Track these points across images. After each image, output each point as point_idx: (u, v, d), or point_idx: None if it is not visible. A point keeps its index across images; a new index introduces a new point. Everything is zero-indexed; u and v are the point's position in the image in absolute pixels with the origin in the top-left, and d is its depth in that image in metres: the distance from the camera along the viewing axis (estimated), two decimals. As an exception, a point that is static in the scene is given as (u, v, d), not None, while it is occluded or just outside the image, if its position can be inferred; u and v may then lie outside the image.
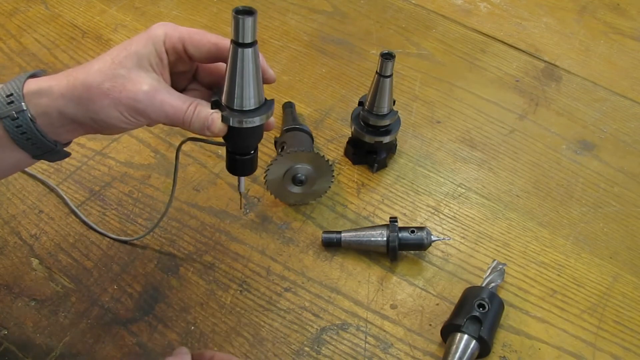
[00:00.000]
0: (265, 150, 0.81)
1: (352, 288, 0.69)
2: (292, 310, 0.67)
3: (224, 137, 0.52)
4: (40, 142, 0.49)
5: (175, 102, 0.49)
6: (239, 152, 0.54)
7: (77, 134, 0.52)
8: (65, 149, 0.52)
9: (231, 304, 0.67)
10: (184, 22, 0.91)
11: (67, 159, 0.78)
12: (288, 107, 0.84)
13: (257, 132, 0.52)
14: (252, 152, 0.55)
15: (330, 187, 0.75)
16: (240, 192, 0.61)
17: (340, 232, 0.71)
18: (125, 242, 0.70)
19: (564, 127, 0.88)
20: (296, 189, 0.73)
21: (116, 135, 0.81)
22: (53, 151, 0.50)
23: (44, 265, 0.68)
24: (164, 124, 0.51)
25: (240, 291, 0.68)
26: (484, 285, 0.67)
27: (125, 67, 0.48)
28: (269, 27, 0.99)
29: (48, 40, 0.93)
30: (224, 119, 0.50)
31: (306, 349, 0.64)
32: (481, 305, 0.62)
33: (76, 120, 0.49)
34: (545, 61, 0.98)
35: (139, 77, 0.48)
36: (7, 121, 0.47)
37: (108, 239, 0.71)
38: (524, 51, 0.99)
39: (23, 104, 0.47)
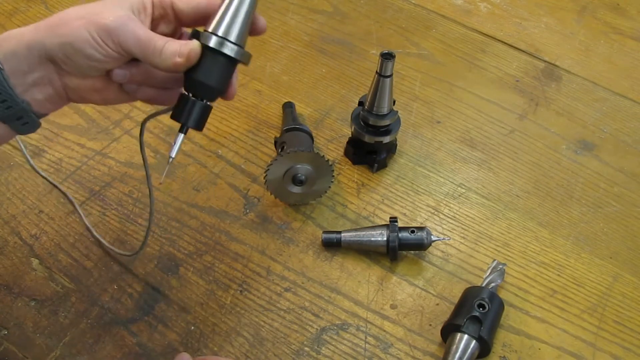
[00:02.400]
0: (265, 150, 0.81)
1: (352, 288, 0.69)
2: (292, 310, 0.67)
3: (188, 72, 0.49)
4: (8, 97, 0.45)
5: (148, 31, 0.48)
6: (198, 91, 0.50)
7: (45, 90, 0.49)
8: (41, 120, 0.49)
9: (231, 304, 0.67)
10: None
11: (67, 159, 0.78)
12: (288, 107, 0.84)
13: (228, 70, 0.50)
14: (209, 100, 0.51)
15: (330, 187, 0.75)
16: (170, 157, 0.52)
17: (340, 232, 0.71)
18: (124, 255, 0.69)
19: (564, 127, 0.88)
20: (296, 189, 0.73)
21: (116, 135, 0.81)
22: (24, 112, 0.47)
23: (44, 265, 0.68)
24: (133, 55, 0.48)
25: (240, 291, 0.68)
26: (484, 285, 0.67)
27: (106, 5, 0.48)
28: (269, 27, 0.98)
29: (48, 40, 0.93)
30: (203, 38, 0.48)
31: (306, 349, 0.64)
32: (481, 305, 0.62)
33: (45, 55, 0.47)
34: (545, 61, 0.98)
35: (116, 8, 0.48)
36: None
37: (107, 240, 0.71)
38: (524, 51, 0.99)
39: None
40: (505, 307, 0.66)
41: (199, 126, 0.51)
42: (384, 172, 0.80)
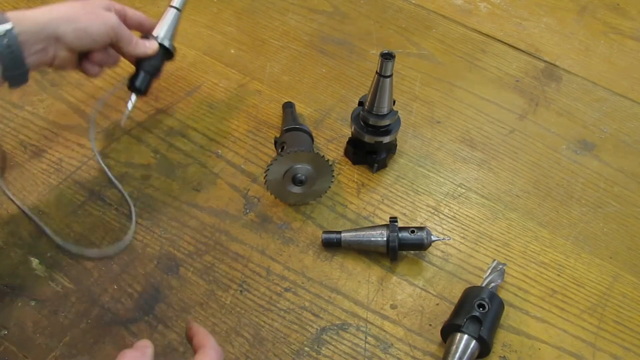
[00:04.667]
0: (266, 150, 0.81)
1: (352, 288, 0.69)
2: (292, 310, 0.67)
3: (139, 62, 0.73)
4: (20, 65, 0.61)
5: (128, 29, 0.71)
6: (153, 71, 0.75)
7: (40, 56, 0.63)
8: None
9: (231, 304, 0.67)
10: (184, 22, 0.91)
11: (67, 159, 0.78)
12: (288, 107, 0.84)
13: (166, 56, 0.76)
14: (154, 75, 0.75)
15: (330, 187, 0.75)
16: (128, 110, 0.74)
17: (340, 232, 0.71)
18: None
19: (564, 127, 0.88)
20: (296, 189, 0.73)
21: (116, 135, 0.81)
22: (24, 75, 0.63)
23: (44, 265, 0.68)
24: (118, 42, 0.69)
25: (240, 291, 0.68)
26: (484, 285, 0.67)
27: (96, 4, 0.68)
28: (269, 27, 0.99)
29: (48, 40, 0.93)
30: (161, 40, 0.75)
31: (306, 349, 0.64)
32: (481, 305, 0.62)
33: (53, 34, 0.62)
34: (545, 61, 0.98)
35: (104, 11, 0.69)
36: None
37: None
38: (524, 51, 0.99)
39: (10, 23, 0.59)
40: (505, 307, 0.66)
41: (146, 92, 0.75)
42: (384, 172, 0.80)
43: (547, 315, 0.68)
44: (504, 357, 0.64)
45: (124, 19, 0.72)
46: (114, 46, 0.71)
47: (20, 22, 0.60)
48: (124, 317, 0.65)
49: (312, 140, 0.79)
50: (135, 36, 0.72)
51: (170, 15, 0.77)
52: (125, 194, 0.75)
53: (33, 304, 0.65)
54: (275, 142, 0.78)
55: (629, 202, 0.80)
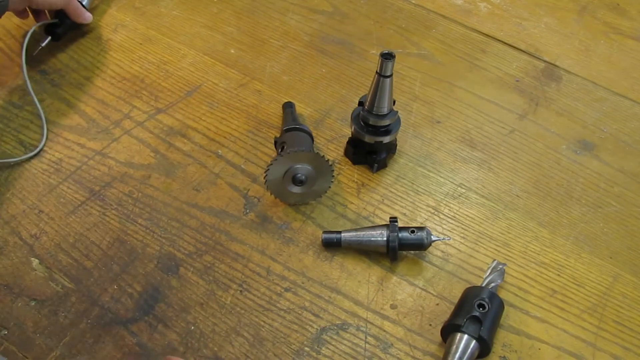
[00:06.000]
0: (265, 150, 0.81)
1: (352, 288, 0.69)
2: (292, 310, 0.67)
3: (62, 14, 0.89)
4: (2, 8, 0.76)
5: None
6: (72, 26, 0.92)
7: None
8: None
9: (231, 304, 0.67)
10: (184, 22, 0.91)
11: (67, 159, 0.78)
12: (288, 107, 0.84)
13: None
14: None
15: (330, 187, 0.75)
16: (41, 46, 0.89)
17: (340, 232, 0.71)
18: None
19: (564, 127, 0.88)
20: (296, 189, 0.73)
21: (116, 135, 0.81)
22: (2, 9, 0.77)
23: (44, 265, 0.68)
24: (67, 4, 0.87)
25: (240, 291, 0.68)
26: (484, 285, 0.67)
27: None
28: (269, 27, 0.99)
29: (48, 40, 0.93)
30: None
31: (306, 349, 0.64)
32: (481, 305, 0.62)
33: None
34: (545, 61, 0.98)
35: None
36: None
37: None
38: (524, 51, 0.99)
39: None
40: (505, 307, 0.66)
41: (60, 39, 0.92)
42: (384, 172, 0.80)
43: (547, 315, 0.68)
44: (504, 357, 0.64)
45: None
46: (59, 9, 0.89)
47: None
48: (124, 317, 0.65)
49: (312, 140, 0.79)
50: (80, 7, 0.90)
51: None
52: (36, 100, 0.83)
53: (33, 304, 0.65)
54: (275, 142, 0.78)
55: (629, 202, 0.80)
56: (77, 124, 0.82)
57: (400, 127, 0.77)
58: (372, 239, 0.70)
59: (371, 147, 0.77)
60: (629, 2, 1.10)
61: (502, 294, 0.69)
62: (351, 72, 0.93)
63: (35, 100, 0.83)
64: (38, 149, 0.79)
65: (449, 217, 0.76)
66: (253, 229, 0.73)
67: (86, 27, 0.95)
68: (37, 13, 0.90)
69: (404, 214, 0.76)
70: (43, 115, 0.82)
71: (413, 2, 1.06)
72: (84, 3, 0.94)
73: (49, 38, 0.90)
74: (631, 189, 0.81)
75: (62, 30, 0.91)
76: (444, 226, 0.75)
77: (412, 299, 0.68)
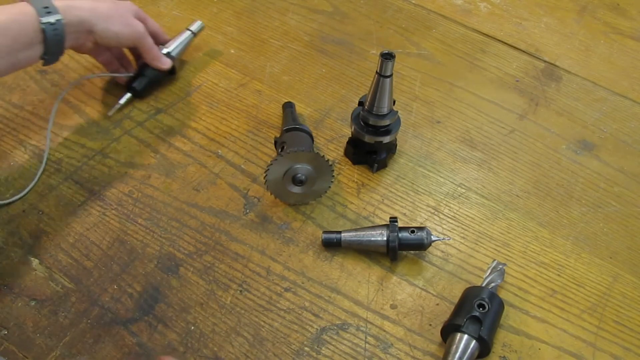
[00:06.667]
0: (266, 150, 0.81)
1: (352, 288, 0.69)
2: (292, 310, 0.67)
3: (144, 66, 0.83)
4: (61, 51, 0.71)
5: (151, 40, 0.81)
6: (153, 79, 0.85)
7: (72, 43, 0.72)
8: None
9: (231, 304, 0.67)
10: (184, 22, 0.91)
11: (67, 159, 0.78)
12: (288, 107, 0.84)
13: (172, 71, 0.87)
14: (154, 84, 0.86)
15: (330, 187, 0.75)
16: (118, 104, 0.83)
17: (340, 232, 0.71)
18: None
19: (564, 127, 0.88)
20: (296, 189, 0.73)
21: (116, 135, 0.81)
22: (60, 52, 0.71)
23: (44, 265, 0.68)
24: (137, 40, 0.78)
25: (240, 291, 0.68)
26: (484, 285, 0.67)
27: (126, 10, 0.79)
28: (269, 27, 0.99)
29: (48, 40, 0.93)
30: (171, 58, 0.85)
31: (306, 349, 0.64)
32: (481, 305, 0.62)
33: (89, 28, 0.72)
34: (545, 61, 0.98)
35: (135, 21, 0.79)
36: (47, 25, 0.66)
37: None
38: (524, 51, 0.99)
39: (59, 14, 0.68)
40: (505, 307, 0.66)
41: (141, 94, 0.85)
42: (384, 172, 0.80)
43: (547, 315, 0.68)
44: (504, 357, 0.64)
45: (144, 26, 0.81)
46: (132, 49, 0.83)
47: (66, 13, 0.68)
48: (124, 317, 0.65)
49: (312, 140, 0.79)
50: (156, 47, 0.81)
51: (185, 36, 0.88)
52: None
53: (33, 304, 0.65)
54: (275, 142, 0.78)
55: (629, 202, 0.80)
56: (77, 124, 0.82)
57: (400, 127, 0.77)
58: (372, 239, 0.70)
59: (371, 147, 0.77)
60: (629, 2, 1.10)
61: (502, 294, 0.69)
62: (351, 72, 0.93)
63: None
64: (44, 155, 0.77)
65: (448, 217, 0.76)
66: (253, 229, 0.73)
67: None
68: (109, 62, 0.83)
69: (404, 214, 0.76)
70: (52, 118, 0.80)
71: (413, 2, 1.06)
72: (172, 53, 0.85)
73: (128, 95, 0.83)
74: (631, 189, 0.81)
75: (142, 83, 0.83)
76: (444, 226, 0.75)
77: (412, 299, 0.68)
